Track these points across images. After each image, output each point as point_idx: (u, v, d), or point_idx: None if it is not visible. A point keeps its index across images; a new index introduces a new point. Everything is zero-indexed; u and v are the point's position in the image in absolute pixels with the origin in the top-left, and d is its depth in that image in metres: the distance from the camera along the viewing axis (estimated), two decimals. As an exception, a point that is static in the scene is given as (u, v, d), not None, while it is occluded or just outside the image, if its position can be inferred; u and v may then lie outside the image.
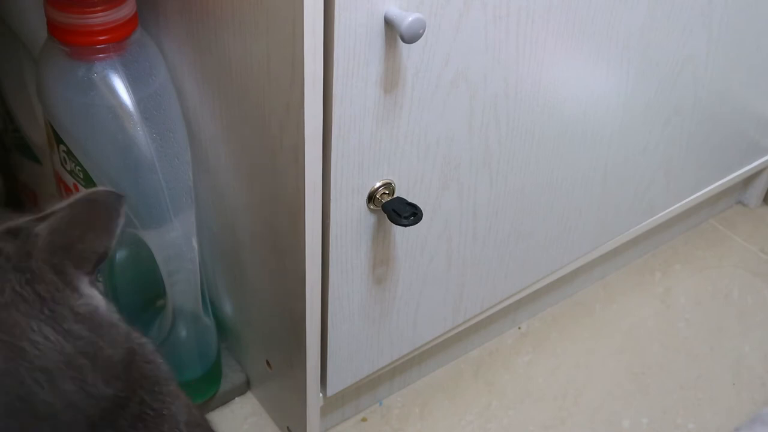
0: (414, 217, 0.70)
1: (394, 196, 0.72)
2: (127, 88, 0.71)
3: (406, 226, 0.70)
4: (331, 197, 0.68)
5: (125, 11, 0.70)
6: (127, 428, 0.53)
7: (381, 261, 0.77)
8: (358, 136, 0.67)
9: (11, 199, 1.02)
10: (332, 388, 0.83)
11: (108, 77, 0.70)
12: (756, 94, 1.04)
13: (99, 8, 0.68)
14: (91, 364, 0.50)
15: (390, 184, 0.71)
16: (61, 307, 0.50)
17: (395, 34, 0.62)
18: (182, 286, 0.82)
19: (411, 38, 0.61)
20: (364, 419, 0.93)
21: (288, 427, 0.89)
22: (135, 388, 0.53)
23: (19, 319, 0.49)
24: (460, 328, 0.93)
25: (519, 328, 1.05)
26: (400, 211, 0.70)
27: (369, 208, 0.72)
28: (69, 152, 0.75)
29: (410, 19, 0.60)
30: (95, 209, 0.54)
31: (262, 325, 0.86)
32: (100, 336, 0.51)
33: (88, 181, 0.75)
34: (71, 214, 0.53)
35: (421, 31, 0.61)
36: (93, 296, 0.52)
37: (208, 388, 0.91)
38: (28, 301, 0.50)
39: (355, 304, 0.78)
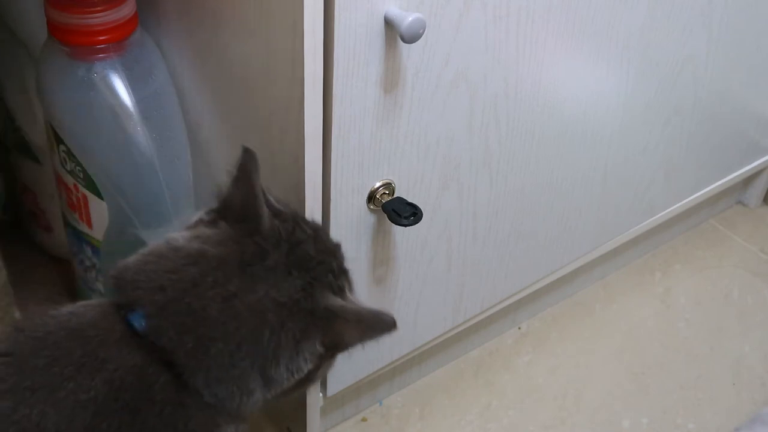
0: (414, 217, 0.70)
1: (394, 196, 0.72)
2: (127, 88, 0.71)
3: (406, 226, 0.70)
4: (331, 197, 0.68)
5: (125, 11, 0.70)
6: None
7: (381, 261, 0.77)
8: (358, 136, 0.66)
9: (11, 199, 1.02)
10: (332, 388, 0.83)
11: (108, 77, 0.71)
12: (756, 94, 1.04)
13: (99, 8, 0.68)
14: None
15: (390, 184, 0.71)
16: None
17: (395, 34, 0.62)
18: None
19: (411, 38, 0.61)
20: (364, 419, 0.93)
21: (288, 427, 0.89)
22: None
23: None
24: (460, 328, 0.93)
25: (519, 328, 1.05)
26: (400, 211, 0.70)
27: (369, 208, 0.72)
28: (69, 152, 0.75)
29: (410, 19, 0.60)
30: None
31: (262, 325, 0.86)
32: None
33: (88, 182, 0.75)
34: None
35: (421, 31, 0.61)
36: None
37: (208, 388, 0.91)
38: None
39: (355, 304, 0.78)
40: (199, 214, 0.60)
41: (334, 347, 0.59)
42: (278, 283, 0.55)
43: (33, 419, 0.51)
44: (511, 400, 0.96)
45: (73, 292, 0.92)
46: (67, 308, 0.57)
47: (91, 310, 0.56)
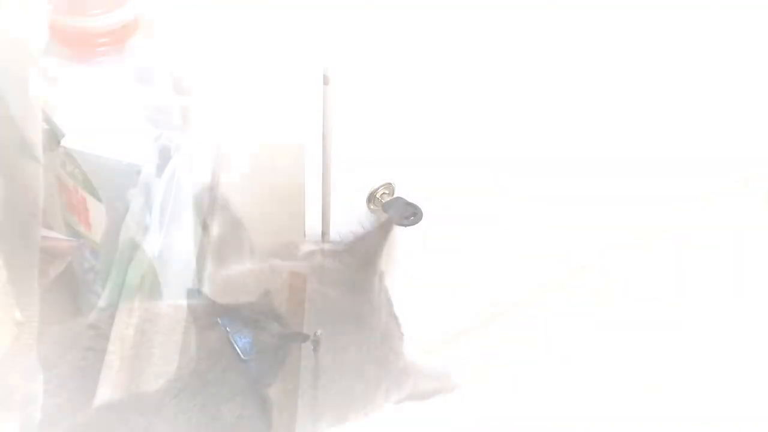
0: (414, 217, 0.70)
1: (394, 196, 0.72)
2: (127, 90, 0.70)
3: (406, 226, 0.70)
4: (332, 197, 0.68)
5: (126, 14, 0.69)
6: None
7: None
8: (358, 137, 0.66)
9: (11, 199, 1.02)
10: (332, 388, 0.83)
11: (108, 80, 0.70)
12: (756, 95, 1.04)
13: (100, 11, 0.68)
14: None
15: (390, 184, 0.71)
16: None
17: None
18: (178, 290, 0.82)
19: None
20: (364, 419, 0.93)
21: (288, 427, 0.89)
22: None
23: None
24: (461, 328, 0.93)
25: (517, 326, 1.05)
26: (400, 211, 0.70)
27: (369, 208, 0.72)
28: (68, 154, 0.74)
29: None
30: None
31: (262, 325, 0.86)
32: None
33: (87, 184, 0.75)
34: None
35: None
36: None
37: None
38: None
39: (355, 305, 0.78)
40: (312, 247, 0.62)
41: (414, 398, 0.62)
42: (375, 339, 0.58)
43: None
44: (511, 399, 0.96)
45: (74, 292, 0.92)
46: None
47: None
